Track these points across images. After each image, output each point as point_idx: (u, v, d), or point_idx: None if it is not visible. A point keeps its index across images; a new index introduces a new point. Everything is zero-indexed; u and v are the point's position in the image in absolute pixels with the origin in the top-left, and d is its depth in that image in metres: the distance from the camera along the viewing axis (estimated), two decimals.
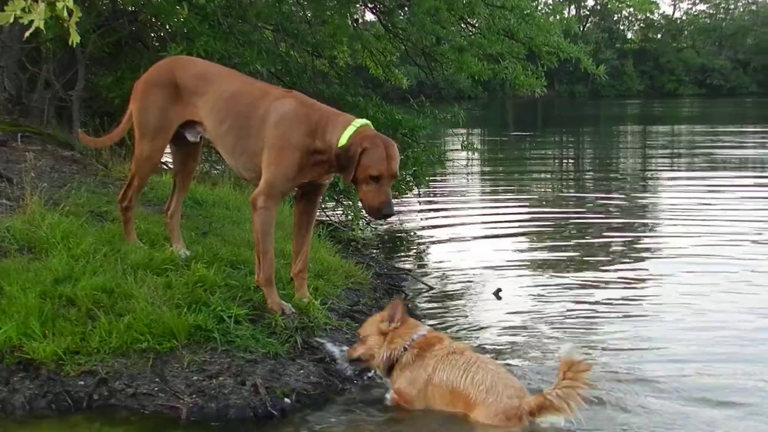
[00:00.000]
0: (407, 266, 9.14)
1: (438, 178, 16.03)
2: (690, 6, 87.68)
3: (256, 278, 5.72)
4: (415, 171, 10.01)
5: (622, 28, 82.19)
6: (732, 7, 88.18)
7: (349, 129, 5.34)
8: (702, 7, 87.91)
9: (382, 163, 5.22)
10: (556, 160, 23.98)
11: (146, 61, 10.20)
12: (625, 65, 74.53)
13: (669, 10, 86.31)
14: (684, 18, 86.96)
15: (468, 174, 18.77)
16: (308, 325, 5.54)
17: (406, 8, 10.21)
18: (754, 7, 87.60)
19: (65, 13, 6.22)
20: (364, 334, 5.07)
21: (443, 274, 8.93)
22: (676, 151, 25.90)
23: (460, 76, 12.11)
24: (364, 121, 5.50)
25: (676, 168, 21.02)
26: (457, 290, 8.19)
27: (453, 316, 7.07)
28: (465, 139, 11.76)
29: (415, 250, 10.49)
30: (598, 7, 79.02)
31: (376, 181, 5.24)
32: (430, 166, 11.18)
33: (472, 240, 10.79)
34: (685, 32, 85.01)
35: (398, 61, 13.45)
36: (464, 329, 6.62)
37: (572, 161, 24.36)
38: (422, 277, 8.52)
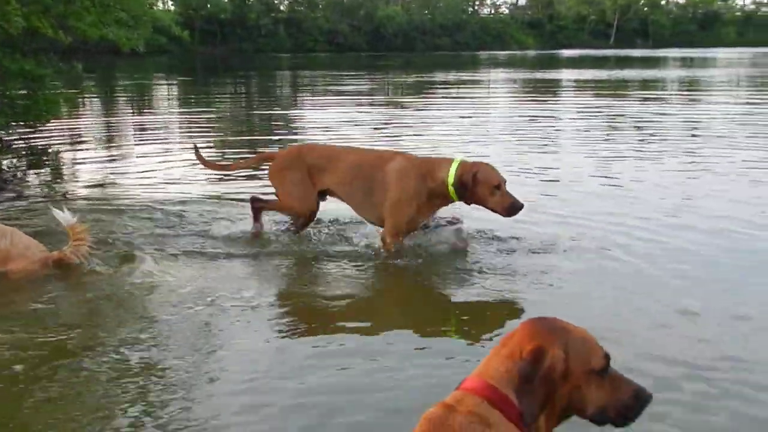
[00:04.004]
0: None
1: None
2: None
3: None
4: (48, 108, 8.24)
5: (276, 2, 79.84)
6: None
7: (454, 164, 4.99)
8: None
9: (495, 176, 4.92)
10: (228, 96, 22.18)
11: None
12: (278, 29, 73.18)
13: None
14: None
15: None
16: None
17: None
18: None
19: None
20: None
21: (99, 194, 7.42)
22: (315, 87, 25.91)
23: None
24: (459, 158, 5.10)
25: (314, 94, 22.02)
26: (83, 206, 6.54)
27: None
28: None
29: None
30: None
31: (498, 189, 4.91)
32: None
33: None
34: (320, 5, 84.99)
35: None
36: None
37: (244, 95, 22.93)
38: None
